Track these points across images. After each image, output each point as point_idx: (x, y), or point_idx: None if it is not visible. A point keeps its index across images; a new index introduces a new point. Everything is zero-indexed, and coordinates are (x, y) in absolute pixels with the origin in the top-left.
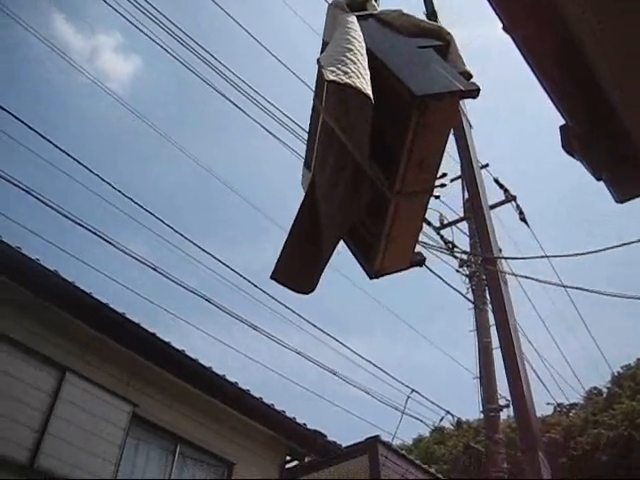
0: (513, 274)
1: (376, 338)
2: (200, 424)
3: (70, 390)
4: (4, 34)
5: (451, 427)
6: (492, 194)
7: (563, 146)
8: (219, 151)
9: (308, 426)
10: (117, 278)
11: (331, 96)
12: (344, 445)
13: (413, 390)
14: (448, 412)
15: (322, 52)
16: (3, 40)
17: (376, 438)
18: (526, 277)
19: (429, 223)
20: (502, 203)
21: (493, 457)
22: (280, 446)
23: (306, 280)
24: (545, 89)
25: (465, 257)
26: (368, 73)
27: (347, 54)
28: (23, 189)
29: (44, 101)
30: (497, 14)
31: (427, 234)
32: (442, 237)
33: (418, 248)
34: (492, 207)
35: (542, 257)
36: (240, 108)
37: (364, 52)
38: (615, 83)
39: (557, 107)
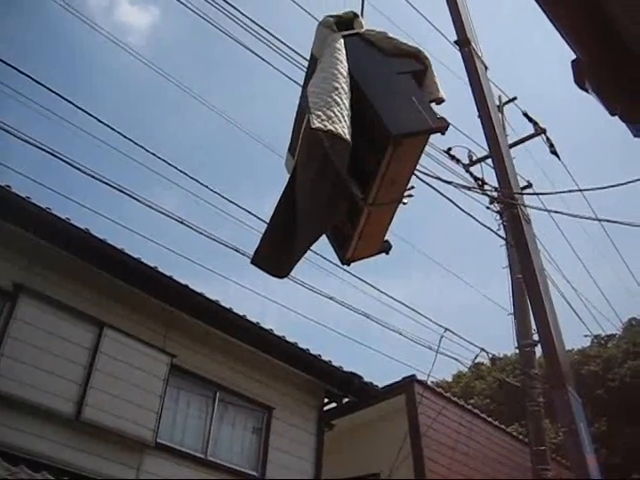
0: (544, 209)
1: (412, 282)
2: (238, 371)
3: (109, 344)
4: None
5: (488, 364)
6: (524, 127)
7: (575, 81)
8: (244, 100)
9: (345, 369)
10: (149, 234)
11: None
12: (381, 386)
13: (446, 329)
14: (483, 349)
15: (309, 68)
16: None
17: (412, 377)
18: (557, 212)
19: (458, 160)
20: (531, 137)
21: (529, 392)
22: (318, 389)
23: (281, 267)
24: (553, 23)
25: (495, 194)
26: (349, 113)
27: (333, 94)
28: (48, 151)
29: (63, 57)
30: None
31: (456, 172)
32: (471, 174)
33: (448, 187)
34: (522, 141)
35: (571, 191)
36: (260, 57)
37: (348, 88)
38: (623, 9)
39: (566, 40)
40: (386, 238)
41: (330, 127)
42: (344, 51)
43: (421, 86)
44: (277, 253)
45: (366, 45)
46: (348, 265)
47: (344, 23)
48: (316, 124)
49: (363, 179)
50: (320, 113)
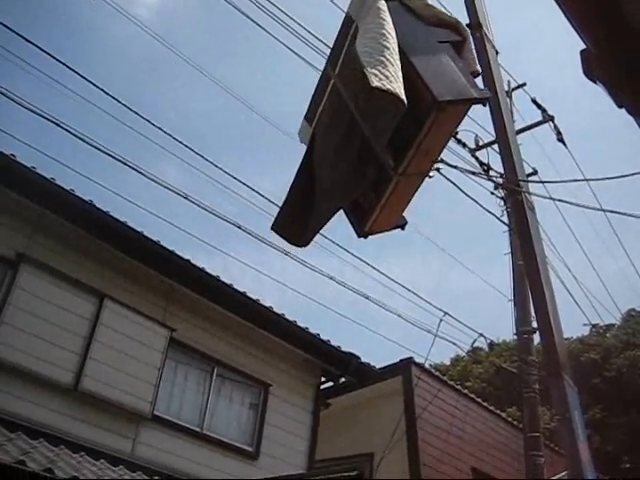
0: (549, 197)
1: (412, 264)
2: (236, 347)
3: (109, 316)
4: None
5: (486, 349)
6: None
7: (584, 71)
8: (252, 78)
9: (343, 349)
10: (151, 207)
11: (350, 72)
12: (378, 367)
13: (446, 313)
14: (481, 334)
15: (342, 28)
16: None
17: (409, 359)
18: (562, 200)
19: (464, 145)
20: (539, 124)
21: (525, 378)
22: (315, 368)
23: (301, 234)
24: (564, 11)
25: (500, 180)
26: (401, 75)
27: (385, 54)
28: (52, 121)
29: (70, 29)
30: None
31: (462, 156)
32: (477, 159)
33: (453, 172)
34: (529, 127)
35: (576, 180)
36: (273, 34)
37: (397, 49)
38: (634, 2)
39: (576, 30)
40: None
41: (389, 86)
42: (390, 18)
43: (460, 57)
44: (298, 221)
45: (406, 11)
46: (365, 238)
47: None
48: (375, 83)
49: (396, 147)
50: (377, 72)
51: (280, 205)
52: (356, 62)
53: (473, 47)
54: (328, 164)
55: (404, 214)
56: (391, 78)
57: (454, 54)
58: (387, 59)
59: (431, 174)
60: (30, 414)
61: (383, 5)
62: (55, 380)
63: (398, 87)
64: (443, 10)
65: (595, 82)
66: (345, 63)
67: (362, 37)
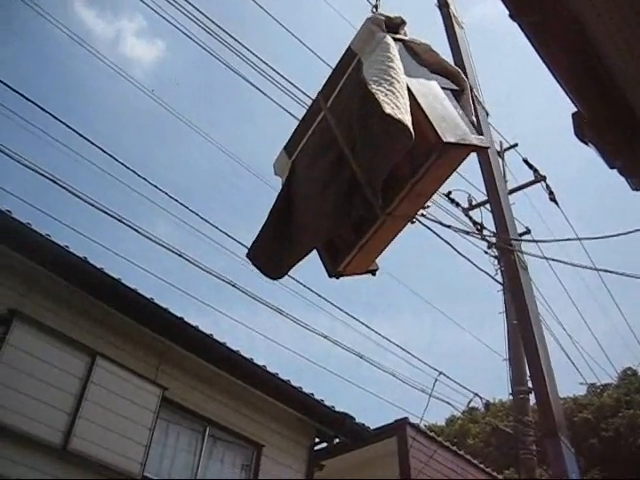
0: (542, 256)
1: (403, 321)
2: (229, 407)
3: (101, 374)
4: (25, 22)
5: (482, 409)
6: (524, 174)
7: (576, 133)
8: (246, 135)
9: (336, 409)
10: (144, 264)
11: (346, 105)
12: (373, 427)
13: (441, 373)
14: (476, 394)
15: (341, 61)
16: (24, 29)
17: (404, 420)
18: (555, 260)
19: (457, 204)
20: (531, 183)
21: (522, 439)
22: (309, 428)
23: (276, 266)
24: (554, 75)
25: (494, 239)
26: (409, 109)
27: (395, 85)
28: (47, 177)
29: (68, 87)
30: (503, 2)
31: (455, 215)
32: (470, 218)
33: (447, 231)
34: (521, 187)
35: (569, 240)
36: (265, 94)
37: (405, 84)
38: (622, 66)
39: (568, 94)
40: (388, 270)
41: (400, 116)
42: (399, 56)
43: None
44: (273, 252)
45: (409, 54)
46: (337, 278)
47: (391, 27)
48: (388, 110)
49: (387, 186)
50: (389, 100)
51: (256, 234)
52: (364, 89)
53: (471, 99)
54: (311, 198)
55: (377, 260)
56: (402, 109)
57: (455, 102)
58: (398, 91)
59: (415, 219)
60: (17, 474)
61: (391, 42)
62: (44, 439)
63: (408, 120)
64: (445, 58)
65: (587, 144)
66: (340, 97)
67: (370, 68)
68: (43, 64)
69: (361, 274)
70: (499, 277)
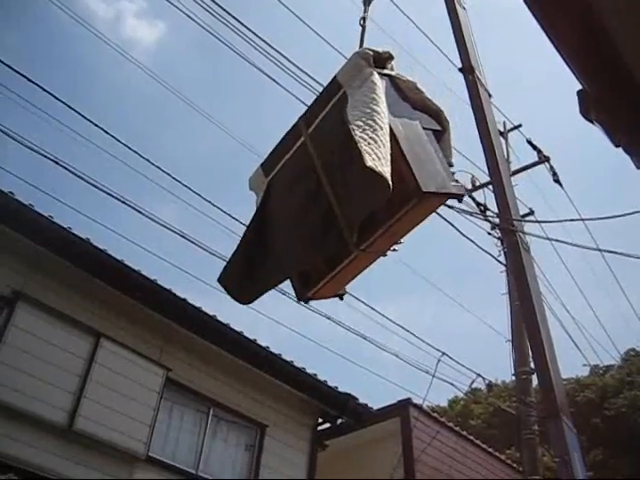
0: (545, 237)
1: (407, 302)
2: (233, 388)
3: (105, 355)
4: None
5: (484, 390)
6: (528, 155)
7: (581, 111)
8: (249, 116)
9: (340, 389)
10: (148, 246)
11: (327, 138)
12: (376, 408)
13: (443, 353)
14: (479, 375)
15: (326, 90)
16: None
17: (407, 400)
18: (557, 240)
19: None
20: (535, 164)
21: (524, 419)
22: (312, 409)
23: (246, 291)
24: (560, 53)
25: (497, 220)
26: (389, 158)
27: (379, 133)
28: (50, 158)
29: (72, 69)
30: None
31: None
32: (474, 199)
33: (450, 211)
34: (524, 169)
35: (572, 220)
36: (268, 75)
37: (388, 129)
38: (629, 42)
39: (573, 71)
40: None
41: (380, 169)
42: (384, 96)
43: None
44: (244, 277)
45: (395, 91)
46: (305, 302)
47: (379, 61)
48: (369, 162)
49: (363, 224)
50: (370, 150)
51: (228, 260)
52: (347, 134)
53: (451, 139)
54: (286, 228)
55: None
56: (382, 161)
57: (436, 143)
58: (380, 139)
59: (387, 254)
60: (23, 455)
61: (378, 81)
62: (49, 420)
63: (388, 172)
64: (429, 96)
65: (592, 122)
66: (322, 127)
67: (355, 109)
68: (45, 45)
69: (329, 298)
70: (502, 258)
